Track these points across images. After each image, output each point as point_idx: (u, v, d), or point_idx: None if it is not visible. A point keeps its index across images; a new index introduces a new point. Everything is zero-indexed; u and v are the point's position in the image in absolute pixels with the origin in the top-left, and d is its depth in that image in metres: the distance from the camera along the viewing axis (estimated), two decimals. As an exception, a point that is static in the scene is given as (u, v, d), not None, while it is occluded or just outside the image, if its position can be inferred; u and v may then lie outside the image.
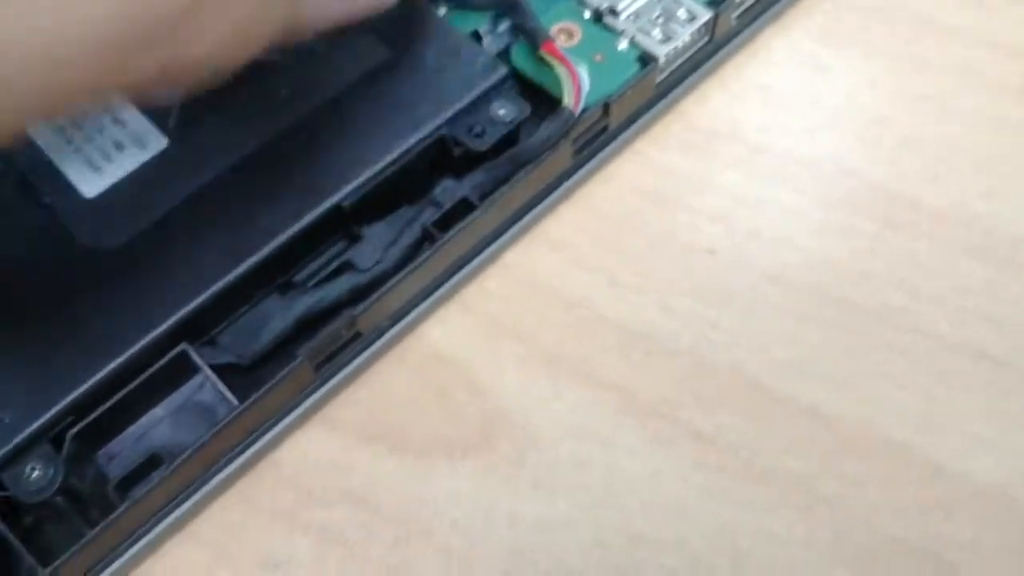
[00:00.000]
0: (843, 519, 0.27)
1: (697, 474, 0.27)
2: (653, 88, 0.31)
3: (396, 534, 0.27)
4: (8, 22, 0.19)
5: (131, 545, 0.26)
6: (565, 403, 0.29)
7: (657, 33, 0.30)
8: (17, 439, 0.25)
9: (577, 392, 0.29)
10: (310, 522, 0.27)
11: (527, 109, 0.29)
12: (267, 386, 0.26)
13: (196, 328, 0.27)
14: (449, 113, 0.29)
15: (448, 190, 0.29)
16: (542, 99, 0.29)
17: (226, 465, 0.27)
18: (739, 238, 0.31)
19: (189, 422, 0.27)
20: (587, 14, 0.31)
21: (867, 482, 0.27)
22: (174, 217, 0.28)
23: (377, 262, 0.28)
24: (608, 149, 0.31)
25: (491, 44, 0.31)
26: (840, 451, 0.27)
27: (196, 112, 0.29)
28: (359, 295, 0.27)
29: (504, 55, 0.31)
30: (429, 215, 0.28)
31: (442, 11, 0.31)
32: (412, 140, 0.28)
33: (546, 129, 0.28)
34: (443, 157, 0.29)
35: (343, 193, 0.27)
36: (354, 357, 0.28)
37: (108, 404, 0.25)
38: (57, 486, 0.24)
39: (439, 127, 0.28)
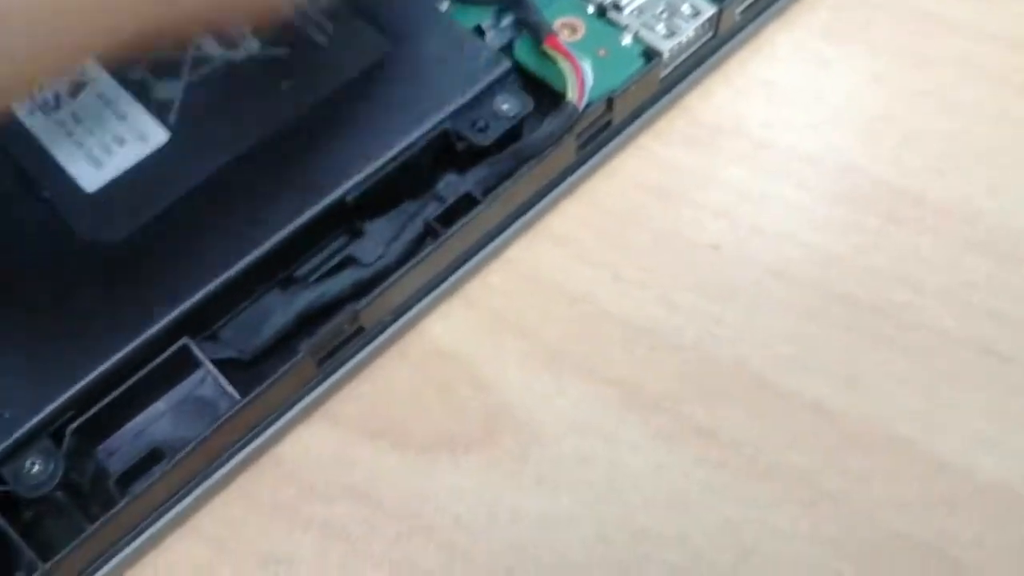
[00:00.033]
0: (847, 515, 0.26)
1: (700, 469, 0.27)
2: (657, 83, 0.31)
3: (398, 530, 0.27)
4: None
5: (131, 540, 0.26)
6: (568, 398, 0.28)
7: (661, 28, 0.30)
8: (17, 434, 0.24)
9: (580, 387, 0.28)
10: (312, 517, 0.27)
11: (530, 104, 0.29)
12: (269, 381, 0.26)
13: (197, 323, 0.26)
14: (452, 108, 0.28)
15: (451, 185, 0.29)
16: (545, 94, 0.29)
17: (227, 460, 0.27)
18: (743, 233, 0.30)
19: (190, 417, 0.27)
20: (591, 9, 0.31)
21: (871, 478, 0.27)
22: (175, 212, 0.28)
23: (379, 257, 0.28)
24: (612, 144, 0.31)
25: (494, 39, 0.31)
26: (844, 447, 0.27)
27: (197, 106, 0.29)
28: (361, 290, 0.27)
29: (507, 50, 0.30)
30: (432, 210, 0.28)
31: (445, 5, 0.31)
32: (415, 134, 0.28)
33: (549, 124, 0.28)
34: (446, 152, 0.29)
35: (346, 187, 0.27)
36: (356, 352, 0.28)
37: (109, 399, 0.25)
38: (57, 481, 0.24)
39: (442, 121, 0.28)
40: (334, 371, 0.28)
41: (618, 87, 0.29)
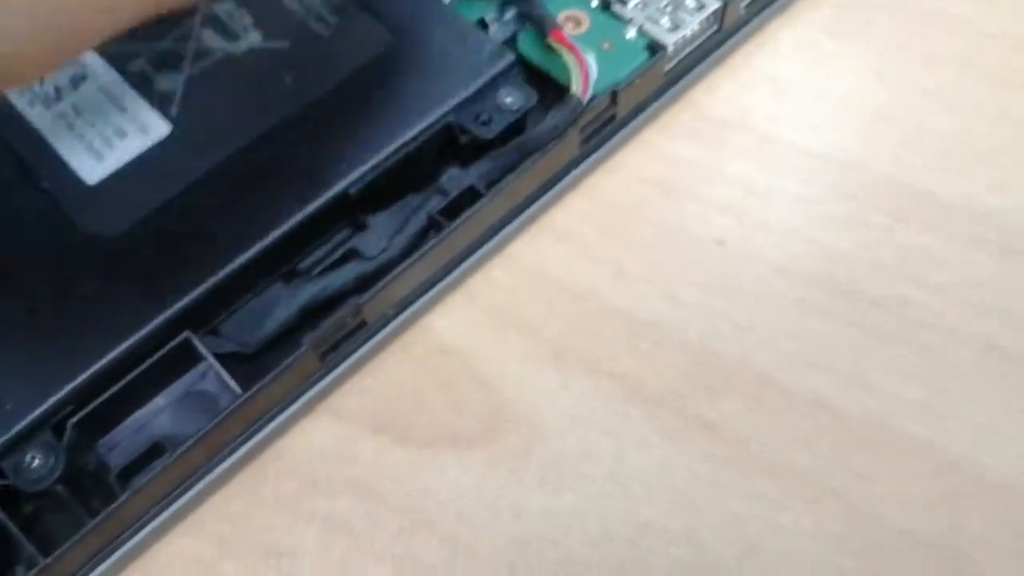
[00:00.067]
0: (852, 511, 0.26)
1: (705, 465, 0.27)
2: (661, 77, 0.31)
3: (401, 524, 0.27)
4: None
5: (132, 535, 0.26)
6: (571, 394, 0.28)
7: (666, 21, 0.30)
8: (18, 427, 0.24)
9: (584, 383, 0.28)
10: (314, 512, 0.27)
11: (534, 97, 0.29)
12: (271, 375, 0.25)
13: (199, 316, 0.26)
14: (455, 101, 0.28)
15: (454, 178, 0.29)
16: (549, 88, 0.29)
17: (229, 454, 0.27)
18: (748, 229, 0.30)
19: (192, 411, 0.26)
20: (595, 2, 0.31)
21: (876, 475, 0.27)
22: (176, 204, 0.27)
23: (383, 250, 0.28)
24: (616, 138, 0.31)
25: (498, 32, 0.31)
26: (849, 443, 0.27)
27: (199, 99, 0.29)
28: (364, 283, 0.27)
29: (511, 43, 0.30)
30: (435, 203, 0.28)
31: (448, -2, 0.31)
32: (418, 127, 0.28)
33: (553, 117, 0.28)
34: (449, 145, 0.29)
35: (349, 180, 0.27)
36: (359, 346, 0.28)
37: (110, 392, 0.25)
38: (58, 475, 0.24)
39: (445, 114, 0.28)
40: (337, 365, 0.28)
41: (622, 80, 0.29)
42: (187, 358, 0.26)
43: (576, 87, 0.28)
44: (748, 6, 0.32)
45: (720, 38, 0.32)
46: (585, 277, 0.30)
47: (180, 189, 0.28)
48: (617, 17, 0.30)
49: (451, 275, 0.29)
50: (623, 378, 0.28)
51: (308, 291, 0.27)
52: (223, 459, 0.27)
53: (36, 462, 0.24)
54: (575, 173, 0.30)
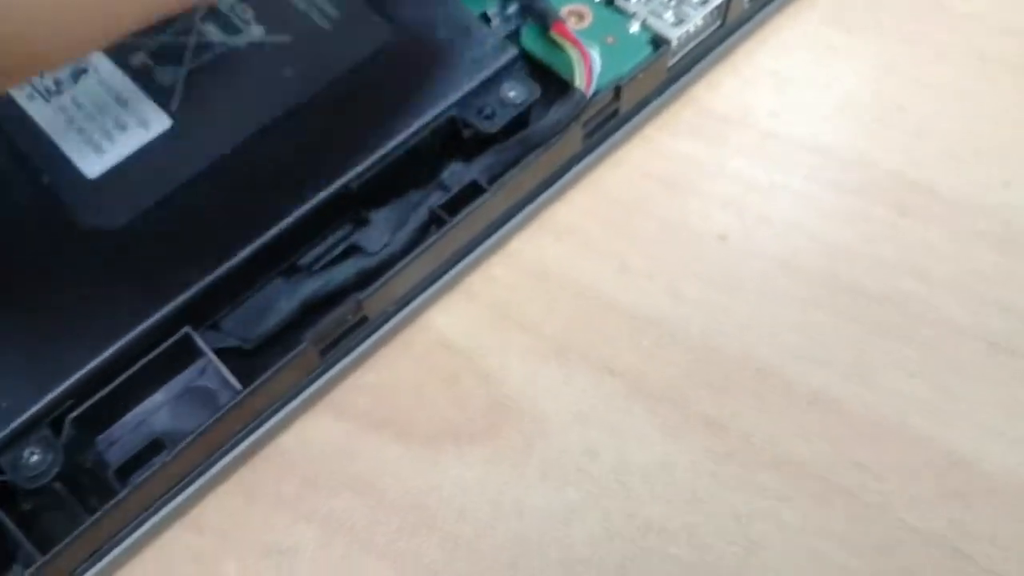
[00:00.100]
0: (856, 508, 0.26)
1: (708, 462, 0.27)
2: (665, 72, 0.31)
3: (402, 522, 0.27)
4: None
5: (131, 532, 0.26)
6: (573, 390, 0.28)
7: (669, 16, 0.30)
8: (16, 423, 0.24)
9: (585, 379, 0.28)
10: (315, 509, 0.27)
11: (537, 91, 0.29)
12: (271, 371, 0.25)
13: (199, 311, 0.26)
14: (458, 95, 0.28)
15: (456, 173, 0.28)
16: (552, 82, 0.29)
17: (229, 451, 0.27)
18: (750, 224, 0.30)
19: (191, 407, 0.26)
20: (598, -4, 0.31)
21: (882, 472, 0.27)
22: (177, 199, 0.27)
23: (384, 245, 0.27)
24: (619, 133, 0.31)
25: (501, 26, 0.30)
26: (853, 439, 0.27)
27: (200, 92, 0.29)
28: (366, 279, 0.27)
29: (514, 37, 0.30)
30: (437, 198, 0.28)
31: (451, -8, 0.31)
32: (421, 122, 0.28)
33: (556, 112, 0.28)
34: (452, 139, 0.28)
35: (350, 175, 0.27)
36: (360, 342, 0.28)
37: (109, 388, 0.25)
38: (56, 472, 0.24)
39: (448, 109, 0.28)
40: (337, 361, 0.28)
41: (625, 75, 0.29)
42: (187, 354, 0.26)
43: (579, 81, 0.28)
44: (752, 0, 0.32)
45: (723, 33, 0.32)
46: (587, 273, 0.30)
47: (180, 183, 0.27)
48: (621, 11, 0.30)
49: (453, 271, 0.29)
50: (625, 374, 0.28)
51: (309, 287, 0.27)
52: (222, 456, 0.27)
53: (34, 458, 0.24)
54: (578, 168, 0.30)
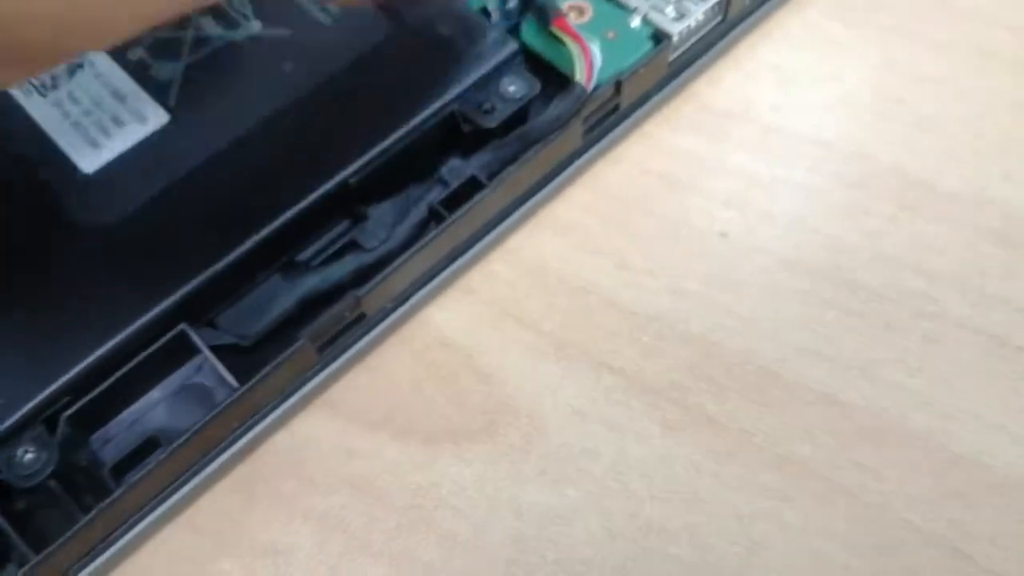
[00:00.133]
0: (858, 508, 0.26)
1: (708, 461, 0.27)
2: (666, 67, 0.30)
3: (399, 521, 0.27)
4: None
5: (126, 531, 0.25)
6: (573, 387, 0.28)
7: (670, 10, 0.30)
8: (10, 420, 0.24)
9: (585, 376, 0.28)
10: (311, 509, 0.27)
11: (537, 86, 0.28)
12: (268, 368, 0.25)
13: (196, 308, 0.26)
14: (458, 90, 0.28)
15: (456, 169, 0.28)
16: (552, 77, 0.29)
17: (225, 449, 0.26)
18: (752, 220, 0.30)
19: (187, 405, 0.26)
20: (598, -10, 0.31)
21: (883, 470, 0.26)
22: (174, 193, 0.27)
23: (383, 241, 0.27)
24: (619, 129, 0.31)
25: (501, 20, 0.30)
26: (856, 438, 0.27)
27: (197, 87, 0.29)
28: (364, 275, 0.27)
29: (514, 31, 0.30)
30: (436, 194, 0.28)
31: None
32: (420, 117, 0.28)
33: (557, 107, 0.28)
34: (451, 135, 0.28)
35: (349, 170, 0.27)
36: (358, 340, 0.28)
37: (104, 385, 0.25)
38: (50, 470, 0.24)
39: (448, 103, 0.28)
40: (335, 359, 0.28)
41: (626, 70, 0.29)
42: (183, 351, 0.26)
43: (580, 76, 0.28)
44: (753, -5, 0.32)
45: (725, 28, 0.32)
46: (587, 269, 0.30)
47: (177, 179, 0.27)
48: (622, 6, 0.30)
49: (451, 267, 0.29)
50: (625, 370, 0.28)
51: (307, 283, 0.27)
52: (219, 454, 0.26)
53: (28, 457, 0.24)
54: (577, 164, 0.30)
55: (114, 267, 0.26)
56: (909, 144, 0.31)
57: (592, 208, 0.31)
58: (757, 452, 0.27)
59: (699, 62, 0.32)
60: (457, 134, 0.28)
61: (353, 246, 0.28)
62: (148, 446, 0.25)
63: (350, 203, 0.28)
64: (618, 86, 0.29)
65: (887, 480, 0.26)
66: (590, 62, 0.28)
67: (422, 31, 0.29)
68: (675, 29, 0.29)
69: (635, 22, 0.30)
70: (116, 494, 0.24)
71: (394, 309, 0.28)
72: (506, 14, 0.30)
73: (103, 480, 0.25)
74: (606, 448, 0.27)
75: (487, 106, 0.28)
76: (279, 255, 0.27)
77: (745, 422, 0.27)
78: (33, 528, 0.24)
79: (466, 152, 0.28)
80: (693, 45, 0.31)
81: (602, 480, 0.27)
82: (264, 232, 0.26)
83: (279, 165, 0.27)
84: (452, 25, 0.29)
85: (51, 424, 0.24)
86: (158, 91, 0.29)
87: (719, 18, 0.31)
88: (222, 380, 0.25)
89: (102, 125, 0.28)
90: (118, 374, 0.25)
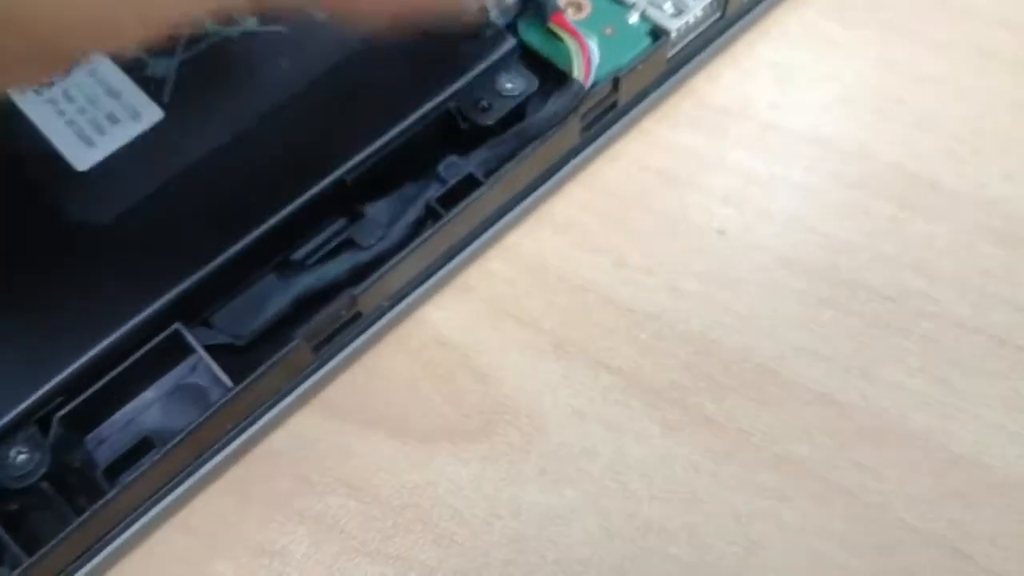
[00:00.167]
0: (857, 508, 0.26)
1: (707, 461, 0.27)
2: (664, 63, 0.30)
3: (395, 523, 0.26)
4: None
5: (120, 533, 0.25)
6: (571, 386, 0.28)
7: (669, 7, 0.30)
8: (2, 421, 0.24)
9: (583, 374, 0.28)
10: (307, 508, 0.27)
11: (535, 83, 0.28)
12: (263, 368, 0.25)
13: (190, 307, 0.26)
14: (455, 87, 0.28)
15: (453, 166, 0.28)
16: (550, 73, 0.29)
17: (220, 450, 0.26)
18: (750, 219, 0.30)
19: (182, 405, 0.26)
20: (597, -14, 0.30)
21: (882, 470, 0.26)
22: (169, 191, 0.27)
23: (379, 239, 0.27)
24: (617, 126, 0.30)
25: (498, 16, 0.30)
26: (855, 438, 0.27)
27: (192, 84, 0.29)
28: (360, 274, 0.27)
29: (511, 28, 0.30)
30: (433, 191, 0.28)
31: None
32: (417, 114, 0.27)
33: (554, 104, 0.28)
34: (448, 132, 0.28)
35: (345, 168, 0.27)
36: (354, 339, 0.28)
37: (98, 385, 0.25)
38: (43, 471, 0.24)
39: (444, 101, 0.28)
40: (330, 358, 0.27)
41: (624, 66, 0.29)
42: (177, 350, 0.26)
43: (577, 73, 0.28)
44: (752, -8, 0.31)
45: (723, 25, 0.31)
46: (585, 267, 0.29)
47: (172, 176, 0.27)
48: (620, 2, 0.30)
49: (449, 265, 0.29)
50: (623, 371, 0.28)
51: (302, 282, 0.27)
52: (214, 454, 0.26)
53: (21, 458, 0.24)
54: (575, 161, 0.30)
55: (108, 266, 0.26)
56: (909, 144, 0.31)
57: (590, 205, 0.30)
58: (755, 452, 0.27)
59: (697, 59, 0.31)
60: (454, 131, 0.28)
61: (349, 244, 0.27)
62: (142, 447, 0.25)
63: (346, 201, 0.27)
64: (616, 83, 0.29)
65: (886, 480, 0.26)
66: (588, 58, 0.28)
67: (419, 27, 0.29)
68: (673, 25, 0.29)
69: (633, 18, 0.30)
70: (110, 495, 0.24)
71: (391, 308, 0.28)
72: (504, 10, 0.30)
73: (96, 481, 0.25)
74: (604, 448, 0.27)
75: (484, 103, 0.28)
76: (274, 253, 0.27)
77: (743, 421, 0.27)
78: (26, 530, 0.24)
79: (463, 149, 0.28)
80: (691, 42, 0.31)
81: (600, 480, 0.27)
82: (259, 230, 0.26)
83: (274, 162, 0.27)
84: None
85: (44, 425, 0.24)
86: (153, 88, 0.28)
87: (717, 15, 0.31)
88: (217, 380, 0.25)
89: (96, 123, 0.28)
90: (112, 374, 0.25)
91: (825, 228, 0.30)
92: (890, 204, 0.30)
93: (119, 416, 0.26)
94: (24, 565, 0.23)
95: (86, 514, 0.23)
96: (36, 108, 0.28)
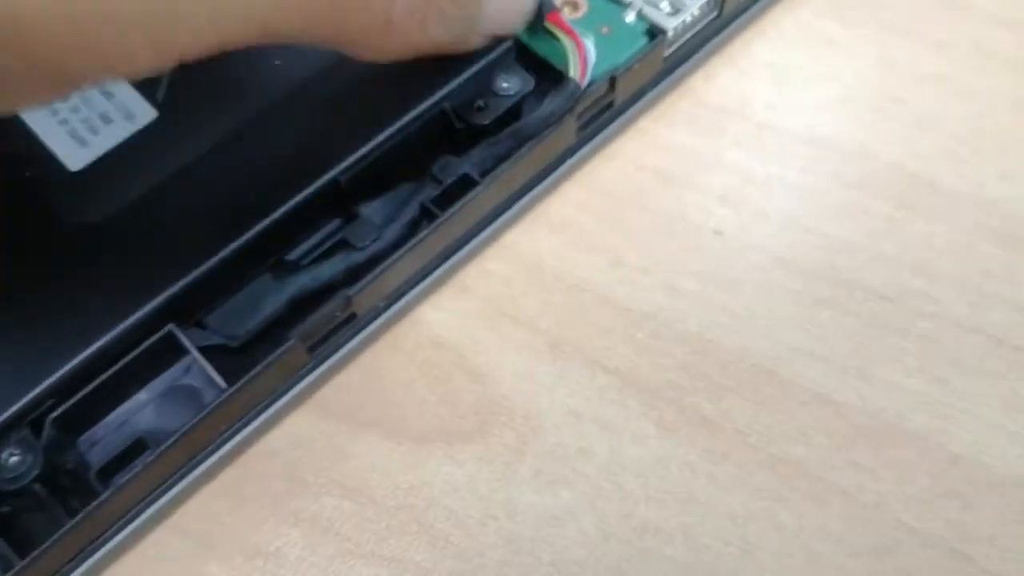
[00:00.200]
0: (855, 509, 0.26)
1: (704, 462, 0.27)
2: (660, 62, 0.30)
3: (390, 524, 0.26)
4: None
5: (114, 535, 0.25)
6: (568, 386, 0.28)
7: (665, 6, 0.29)
8: (-6, 423, 0.24)
9: (580, 374, 0.28)
10: (302, 510, 0.27)
11: (531, 82, 0.28)
12: (257, 369, 0.25)
13: (184, 308, 0.26)
14: (450, 86, 0.28)
15: (449, 166, 0.28)
16: (546, 72, 0.28)
17: (214, 451, 0.26)
18: (747, 218, 0.30)
19: (175, 406, 0.26)
20: (593, -15, 0.30)
21: (880, 471, 0.26)
22: (162, 191, 0.27)
23: (374, 240, 0.27)
24: (614, 125, 0.30)
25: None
26: (852, 439, 0.27)
27: (186, 83, 0.28)
28: (355, 274, 0.26)
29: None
30: (429, 192, 0.27)
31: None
32: (412, 113, 0.27)
33: (550, 103, 0.28)
34: (444, 132, 0.28)
35: (340, 168, 0.27)
36: (349, 339, 0.28)
37: (91, 387, 0.25)
38: (36, 473, 0.24)
39: (440, 100, 0.27)
40: (325, 359, 0.27)
41: (621, 66, 0.28)
42: (171, 351, 0.26)
43: (574, 72, 0.28)
44: (750, -9, 0.31)
45: (720, 24, 0.31)
46: (581, 267, 0.29)
47: (165, 176, 0.27)
48: (616, 1, 0.30)
49: (444, 266, 0.28)
50: (620, 371, 0.28)
51: (297, 282, 0.27)
52: (207, 456, 0.26)
53: (13, 459, 0.24)
54: (572, 161, 0.30)
55: (101, 267, 0.26)
56: (908, 143, 0.31)
57: (587, 205, 0.30)
58: (752, 452, 0.27)
59: (694, 58, 0.31)
60: (450, 131, 0.28)
61: (344, 245, 0.27)
62: (135, 448, 0.25)
63: (341, 201, 0.27)
64: (612, 82, 0.28)
65: (884, 480, 0.26)
66: (584, 58, 0.28)
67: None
68: (670, 24, 0.29)
69: (630, 17, 0.29)
70: (103, 497, 0.24)
71: (386, 308, 0.28)
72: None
73: (89, 483, 0.24)
74: (600, 448, 0.27)
75: (480, 103, 0.28)
76: (269, 254, 0.27)
77: (740, 421, 0.27)
78: (18, 532, 0.24)
79: (459, 149, 0.28)
80: (688, 41, 0.31)
81: (596, 481, 0.27)
82: (254, 230, 0.26)
83: (269, 162, 0.27)
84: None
85: (37, 426, 0.24)
86: (146, 87, 0.28)
87: (714, 14, 0.31)
88: (211, 381, 0.25)
89: (90, 122, 0.28)
90: (105, 375, 0.25)
91: (823, 228, 0.30)
92: (889, 204, 0.30)
93: (112, 418, 0.26)
94: (17, 568, 0.23)
95: (79, 516, 0.23)
96: (30, 108, 0.28)
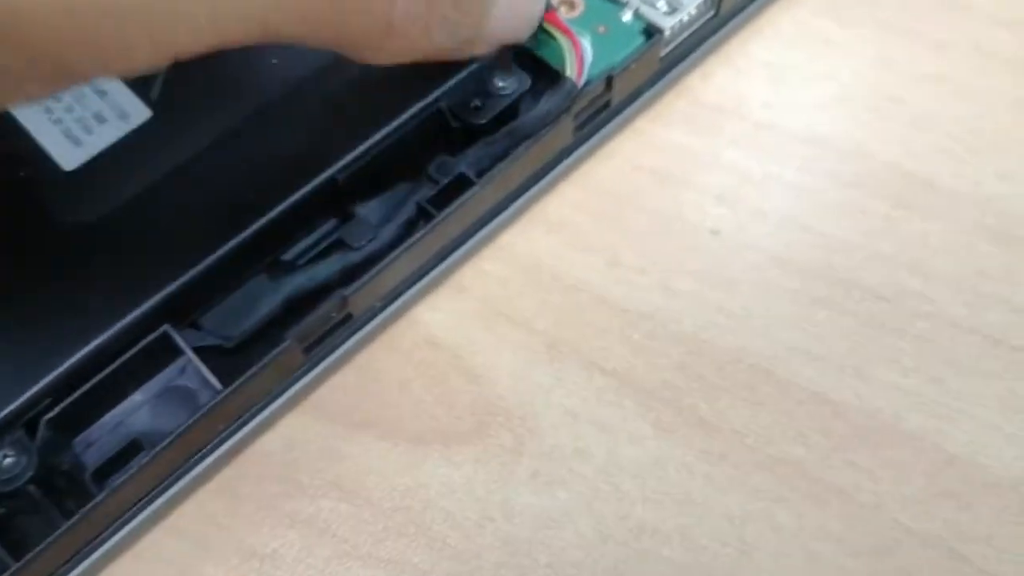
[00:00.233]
0: (852, 509, 0.26)
1: (701, 462, 0.27)
2: (657, 62, 0.30)
3: (386, 526, 0.26)
4: None
5: (109, 537, 0.25)
6: (564, 386, 0.28)
7: (662, 5, 0.29)
8: (-11, 424, 0.24)
9: (576, 375, 0.28)
10: (297, 512, 0.26)
11: (527, 82, 0.28)
12: (253, 370, 0.25)
13: (179, 308, 0.26)
14: (447, 85, 0.28)
15: (445, 166, 0.28)
16: (542, 72, 0.28)
17: (210, 452, 0.26)
18: (744, 218, 0.30)
19: (171, 407, 0.26)
20: (590, -16, 0.30)
21: (877, 471, 0.26)
22: (157, 191, 0.27)
23: (370, 240, 0.27)
24: (610, 125, 0.30)
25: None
26: (849, 439, 0.27)
27: (181, 82, 0.28)
28: (351, 275, 0.26)
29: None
30: (425, 192, 0.27)
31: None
32: (408, 113, 0.27)
33: (547, 102, 0.27)
34: (440, 131, 0.28)
35: (336, 168, 0.26)
36: (345, 340, 0.27)
37: (85, 388, 0.24)
38: (30, 475, 0.23)
39: (436, 99, 0.27)
40: (321, 360, 0.27)
41: (618, 65, 0.28)
42: (166, 352, 0.25)
43: (570, 71, 0.28)
44: (747, -10, 0.31)
45: (717, 23, 0.31)
46: (578, 267, 0.29)
47: (160, 176, 0.27)
48: (613, 0, 0.30)
49: (441, 266, 0.28)
50: (617, 372, 0.28)
51: (292, 283, 0.26)
52: (203, 457, 0.26)
53: (7, 461, 0.23)
54: (568, 161, 0.30)
55: (95, 267, 0.26)
56: (906, 143, 0.31)
57: (583, 205, 0.30)
58: (749, 453, 0.27)
59: (691, 57, 0.31)
60: (446, 131, 0.28)
61: (340, 245, 0.27)
62: (131, 449, 0.24)
63: (337, 201, 0.27)
64: (609, 81, 0.28)
65: (881, 480, 0.26)
66: (581, 57, 0.28)
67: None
68: (667, 24, 0.29)
69: (627, 16, 0.29)
70: (98, 498, 0.23)
71: (382, 308, 0.28)
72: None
73: (85, 484, 0.24)
74: (597, 449, 0.27)
75: (476, 102, 0.27)
76: (264, 254, 0.27)
77: (737, 422, 0.27)
78: (13, 534, 0.24)
79: (455, 149, 0.28)
80: (685, 40, 0.30)
81: (593, 482, 0.26)
82: (249, 230, 0.26)
83: (264, 162, 0.27)
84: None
85: (31, 428, 0.24)
86: (140, 86, 0.28)
87: (711, 13, 0.31)
88: (206, 382, 0.25)
89: (84, 122, 0.28)
90: (100, 376, 0.25)
91: (820, 227, 0.30)
92: (886, 203, 0.30)
93: (107, 419, 0.25)
94: (11, 570, 0.23)
95: (74, 518, 0.23)
96: (23, 107, 0.28)
